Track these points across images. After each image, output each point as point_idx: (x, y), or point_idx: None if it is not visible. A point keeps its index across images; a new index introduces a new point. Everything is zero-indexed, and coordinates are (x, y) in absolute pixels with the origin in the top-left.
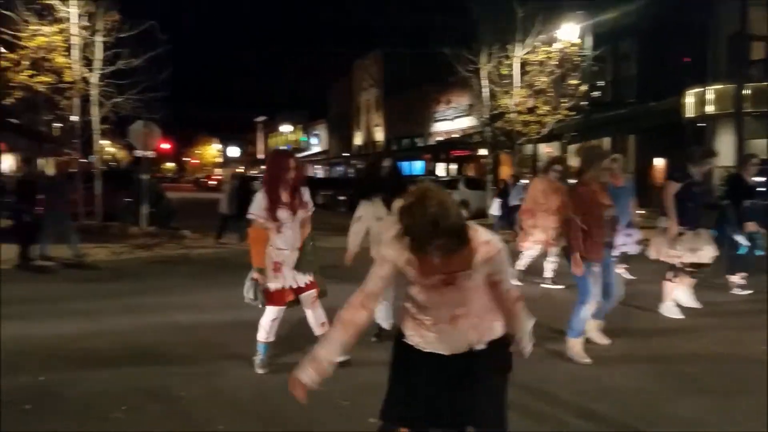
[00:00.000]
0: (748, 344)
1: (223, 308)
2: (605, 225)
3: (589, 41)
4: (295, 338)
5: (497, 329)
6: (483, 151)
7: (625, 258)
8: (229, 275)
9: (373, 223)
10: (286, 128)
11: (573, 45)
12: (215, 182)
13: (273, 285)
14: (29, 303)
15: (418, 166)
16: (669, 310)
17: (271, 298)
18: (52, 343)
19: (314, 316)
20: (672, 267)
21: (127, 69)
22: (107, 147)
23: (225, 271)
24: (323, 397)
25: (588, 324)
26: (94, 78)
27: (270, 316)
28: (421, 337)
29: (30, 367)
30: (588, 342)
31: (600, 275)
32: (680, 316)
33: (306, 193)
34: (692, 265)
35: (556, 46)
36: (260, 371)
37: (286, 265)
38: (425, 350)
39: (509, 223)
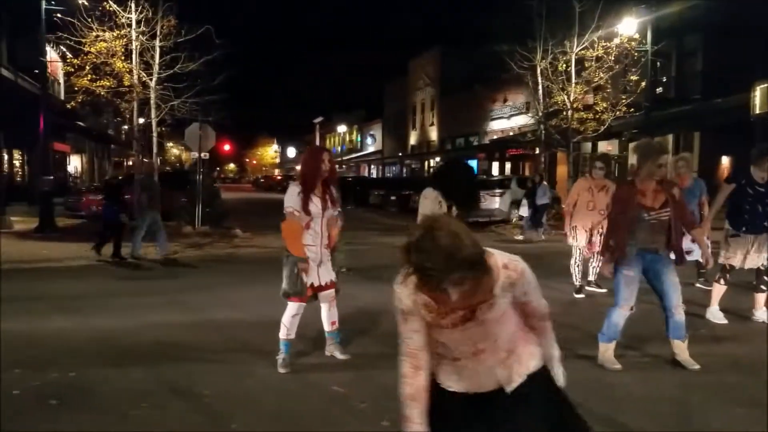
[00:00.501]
0: None
1: (261, 305)
2: (636, 224)
3: (649, 36)
4: (321, 339)
5: (533, 360)
6: (538, 150)
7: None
8: (272, 273)
9: None
10: (342, 128)
11: (632, 40)
12: (274, 182)
13: (305, 277)
14: (77, 299)
15: (472, 166)
16: (714, 315)
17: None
18: (89, 338)
19: (328, 314)
20: (722, 269)
21: (184, 72)
22: (171, 149)
23: (269, 270)
24: (341, 399)
25: (675, 346)
26: (152, 82)
27: (291, 311)
28: (448, 377)
29: (63, 363)
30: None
31: (633, 280)
32: (724, 321)
33: (336, 191)
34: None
35: (615, 41)
36: (282, 371)
37: (312, 262)
38: (456, 391)
39: (535, 223)
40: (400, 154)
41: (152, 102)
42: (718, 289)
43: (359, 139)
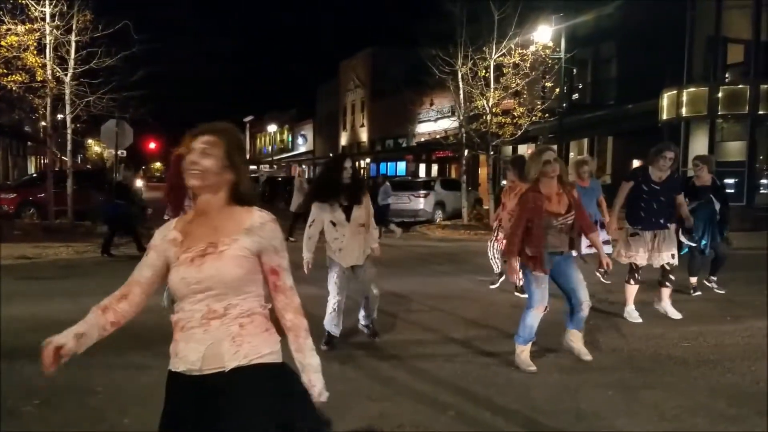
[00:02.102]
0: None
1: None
2: (546, 230)
3: (563, 43)
4: None
5: (269, 350)
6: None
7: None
8: None
9: (329, 228)
10: (273, 128)
11: (547, 47)
12: None
13: None
14: None
15: (400, 167)
16: (630, 314)
17: None
18: None
19: None
20: (629, 270)
21: (101, 68)
22: (93, 146)
23: None
24: None
25: (572, 335)
26: (67, 77)
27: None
28: (174, 354)
29: None
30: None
31: (543, 280)
32: (639, 320)
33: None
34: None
35: (531, 48)
36: None
37: None
38: (177, 370)
39: (381, 223)
40: (331, 154)
41: (67, 98)
42: (630, 289)
43: (290, 138)
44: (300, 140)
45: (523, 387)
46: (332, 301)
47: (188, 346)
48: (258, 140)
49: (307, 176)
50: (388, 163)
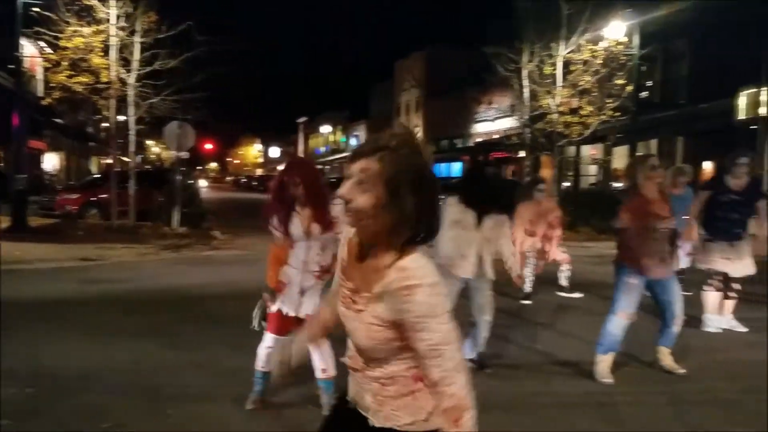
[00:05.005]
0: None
1: None
2: (653, 237)
3: (637, 40)
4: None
5: (408, 417)
6: (523, 153)
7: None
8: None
9: (461, 233)
10: (326, 129)
11: (619, 43)
12: (256, 182)
13: (273, 306)
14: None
15: (456, 168)
16: (709, 322)
17: (269, 321)
18: None
19: (316, 357)
20: (709, 277)
21: (164, 69)
22: (152, 147)
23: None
24: None
25: (661, 352)
26: (131, 79)
27: (265, 343)
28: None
29: None
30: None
31: (637, 288)
32: (718, 330)
33: (335, 211)
34: (726, 278)
35: (602, 44)
36: (249, 406)
37: (292, 288)
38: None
39: None
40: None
41: (131, 99)
42: (709, 297)
43: (344, 139)
44: (353, 141)
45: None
46: None
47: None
48: (311, 141)
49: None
50: (443, 164)
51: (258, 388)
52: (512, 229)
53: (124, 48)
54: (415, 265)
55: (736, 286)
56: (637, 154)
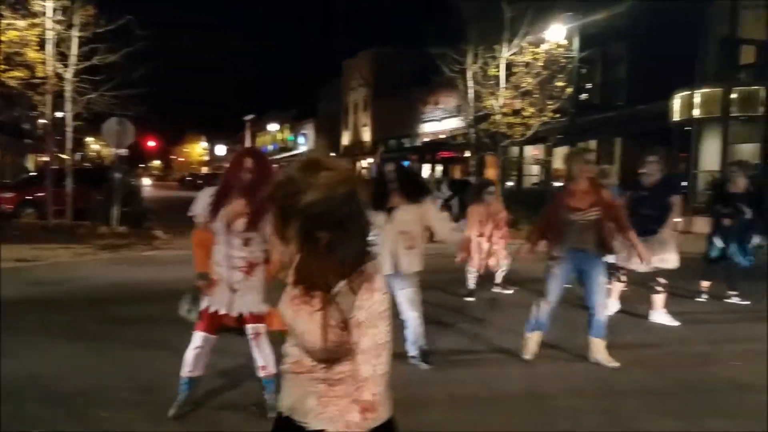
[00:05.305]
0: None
1: None
2: (573, 228)
3: (576, 43)
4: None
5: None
6: (468, 153)
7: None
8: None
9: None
10: (273, 127)
11: (560, 46)
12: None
13: (204, 301)
14: None
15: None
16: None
17: (199, 320)
18: None
19: (256, 356)
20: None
21: (103, 64)
22: (91, 144)
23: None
24: None
25: (593, 344)
26: (68, 74)
27: (194, 342)
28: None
29: None
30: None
31: (558, 277)
32: (674, 324)
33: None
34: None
35: (543, 47)
36: (172, 412)
37: (222, 285)
38: (281, 412)
39: None
40: (333, 154)
41: (68, 95)
42: (616, 287)
43: (291, 138)
44: (301, 139)
45: (574, 414)
46: None
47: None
48: (258, 139)
49: None
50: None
51: (183, 395)
52: (465, 229)
53: (62, 42)
54: (371, 269)
55: (662, 280)
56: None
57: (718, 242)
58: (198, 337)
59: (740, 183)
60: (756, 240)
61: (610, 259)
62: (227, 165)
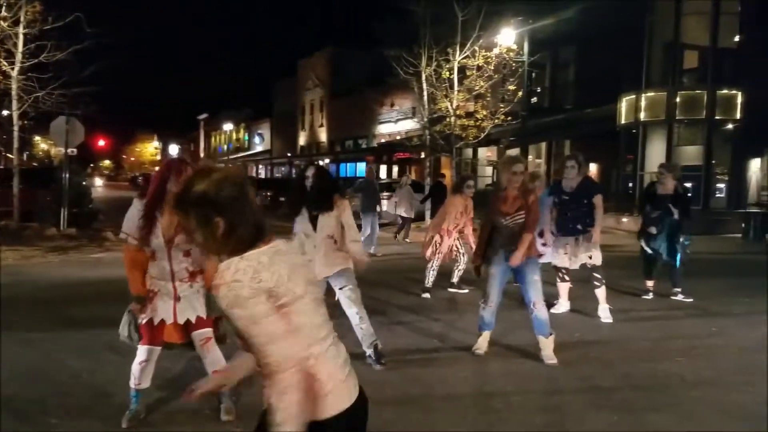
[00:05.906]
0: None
1: None
2: (503, 231)
3: (527, 47)
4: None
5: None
6: (423, 154)
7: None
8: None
9: (305, 240)
10: (228, 126)
11: (510, 50)
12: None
13: (143, 317)
14: None
15: (360, 168)
16: (560, 307)
17: (142, 333)
18: None
19: (207, 362)
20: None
21: (50, 62)
22: (39, 144)
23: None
24: None
25: (540, 343)
26: (14, 71)
27: (139, 356)
28: None
29: None
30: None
31: (495, 278)
32: (610, 320)
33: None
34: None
35: (495, 51)
36: (125, 425)
37: (162, 295)
38: None
39: None
40: (289, 154)
41: (14, 93)
42: (561, 287)
43: (247, 138)
44: (257, 139)
45: (522, 410)
46: None
47: None
48: (213, 139)
49: (263, 176)
50: (348, 164)
51: (134, 407)
52: (442, 220)
53: (7, 39)
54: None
55: (597, 275)
56: (506, 155)
57: (646, 247)
58: (142, 351)
59: (668, 184)
60: (682, 239)
61: (549, 260)
62: (153, 178)
